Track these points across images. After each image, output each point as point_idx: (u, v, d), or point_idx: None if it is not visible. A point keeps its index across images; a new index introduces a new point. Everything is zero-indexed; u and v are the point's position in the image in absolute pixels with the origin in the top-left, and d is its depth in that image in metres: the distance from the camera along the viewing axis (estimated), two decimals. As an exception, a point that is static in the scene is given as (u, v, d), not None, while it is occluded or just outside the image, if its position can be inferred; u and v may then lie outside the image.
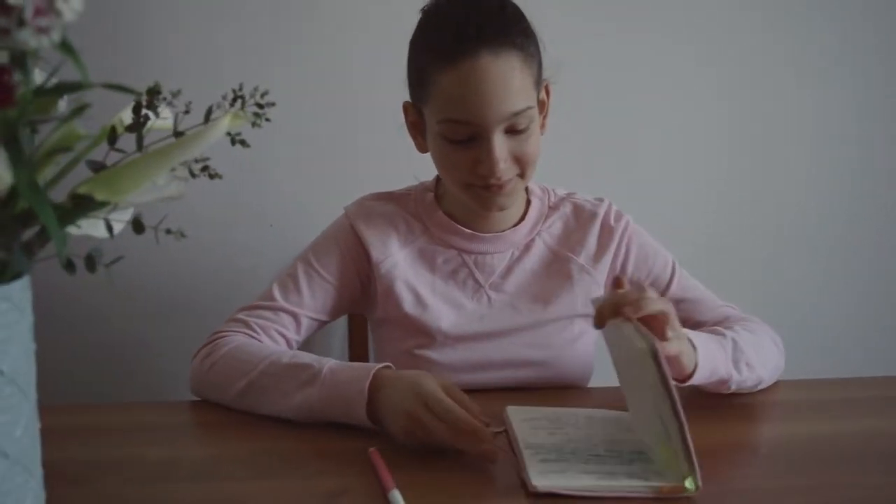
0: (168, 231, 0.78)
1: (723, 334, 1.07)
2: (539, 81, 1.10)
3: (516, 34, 1.05)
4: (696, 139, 1.70)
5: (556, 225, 1.23)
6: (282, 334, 1.13)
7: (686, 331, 0.98)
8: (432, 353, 1.14)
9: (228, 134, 0.81)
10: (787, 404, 1.11)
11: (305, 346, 1.54)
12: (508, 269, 1.19)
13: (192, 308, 1.53)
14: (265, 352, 1.04)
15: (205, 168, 0.81)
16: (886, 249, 1.79)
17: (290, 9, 1.54)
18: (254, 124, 0.80)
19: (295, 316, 1.14)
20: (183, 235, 0.77)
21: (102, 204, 0.71)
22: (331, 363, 0.99)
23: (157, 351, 1.54)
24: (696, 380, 0.98)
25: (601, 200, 1.25)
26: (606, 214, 1.23)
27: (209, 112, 0.79)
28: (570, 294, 1.19)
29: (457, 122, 1.04)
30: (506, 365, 1.15)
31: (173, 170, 0.76)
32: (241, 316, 1.13)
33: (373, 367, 0.96)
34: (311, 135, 1.58)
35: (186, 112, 0.79)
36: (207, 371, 1.06)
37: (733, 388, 1.06)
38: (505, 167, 1.06)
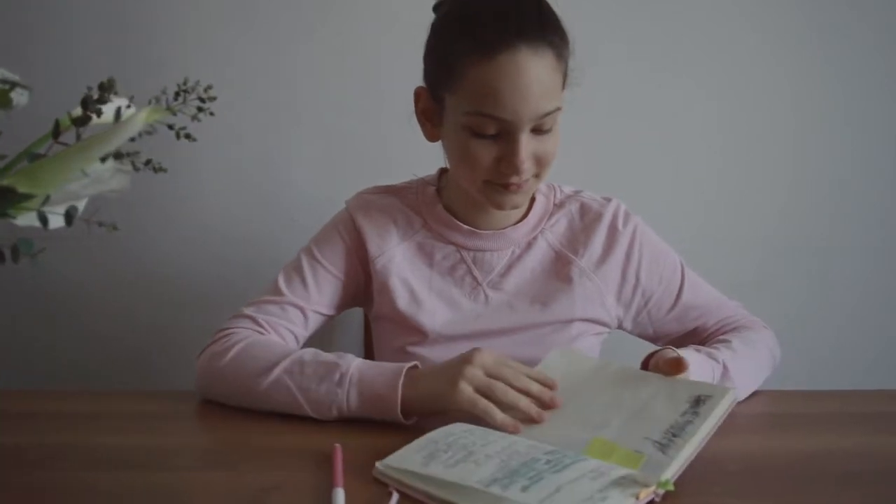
0: (100, 224, 0.79)
1: (715, 359, 1.05)
2: (565, 84, 1.07)
3: (553, 34, 1.02)
4: (694, 139, 1.67)
5: (560, 223, 1.19)
6: (290, 330, 1.13)
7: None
8: (425, 351, 1.12)
9: (171, 127, 0.82)
10: (761, 417, 1.04)
11: (321, 340, 1.57)
12: (508, 268, 1.16)
13: (215, 299, 1.57)
14: (283, 350, 1.03)
15: (148, 162, 0.82)
16: (884, 253, 1.72)
17: (313, 3, 1.55)
18: (193, 118, 0.81)
19: (302, 310, 1.14)
20: (115, 228, 0.78)
21: (28, 196, 0.73)
22: (356, 361, 0.97)
23: (180, 342, 1.59)
24: None
25: (609, 200, 1.20)
26: (614, 216, 1.18)
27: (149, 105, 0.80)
28: (569, 297, 1.14)
29: (488, 116, 1.00)
30: None
31: (103, 160, 0.77)
32: (248, 312, 1.12)
33: (404, 365, 0.96)
34: (332, 129, 1.59)
35: (128, 107, 0.81)
36: (220, 370, 1.03)
37: None
38: (528, 167, 1.03)
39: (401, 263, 1.15)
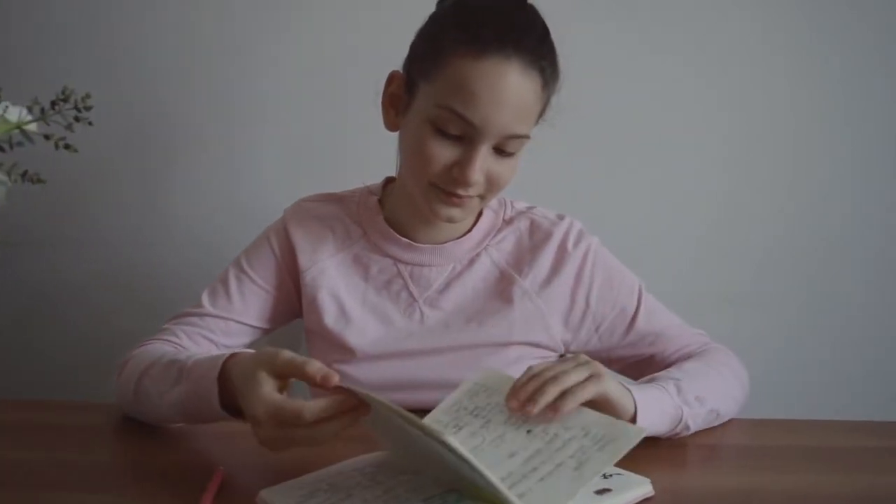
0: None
1: (659, 377, 0.99)
2: (541, 117, 1.04)
3: (547, 62, 0.99)
4: (689, 143, 1.62)
5: (507, 240, 1.13)
6: (208, 338, 1.10)
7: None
8: (352, 369, 1.07)
9: (47, 137, 0.79)
10: (722, 450, 0.97)
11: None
12: (447, 285, 1.10)
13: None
14: (162, 353, 0.99)
15: (24, 174, 0.80)
16: (885, 259, 1.65)
17: (284, 8, 1.53)
18: (67, 127, 0.78)
19: (224, 320, 1.10)
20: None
21: None
22: (197, 357, 0.91)
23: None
24: (649, 421, 0.89)
25: (562, 218, 1.14)
26: (565, 236, 1.12)
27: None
28: (506, 318, 1.08)
29: (458, 115, 0.96)
30: (435, 386, 1.04)
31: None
32: (167, 325, 1.11)
33: (222, 356, 0.86)
34: (300, 136, 1.57)
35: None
36: (116, 383, 1.03)
37: (691, 425, 0.96)
38: (478, 180, 0.99)
39: (333, 276, 1.11)
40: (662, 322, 1.12)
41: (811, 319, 1.66)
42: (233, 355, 0.85)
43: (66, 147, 0.80)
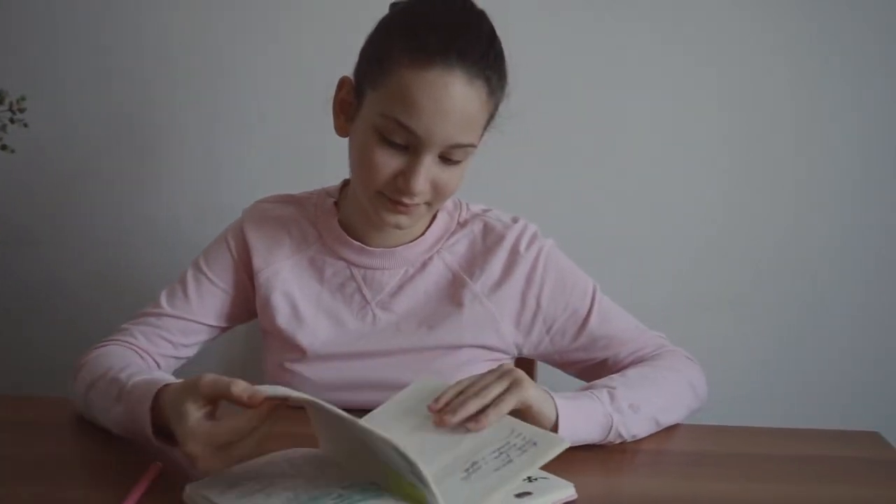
0: None
1: (595, 385, 1.00)
2: (489, 124, 1.03)
3: (492, 70, 0.99)
4: (687, 145, 1.61)
5: (460, 244, 1.13)
6: (166, 339, 1.11)
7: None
8: (303, 369, 1.09)
9: (-19, 139, 0.82)
10: (663, 455, 0.96)
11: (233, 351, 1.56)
12: (399, 288, 1.11)
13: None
14: (110, 364, 1.00)
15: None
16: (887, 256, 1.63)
17: (269, 8, 1.55)
18: (1, 129, 0.81)
19: (182, 320, 1.12)
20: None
21: None
22: (136, 378, 0.92)
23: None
24: (572, 429, 0.91)
25: (516, 221, 1.14)
26: (517, 238, 1.11)
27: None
28: (457, 322, 1.08)
29: (401, 125, 0.96)
30: (383, 387, 1.04)
31: None
32: (125, 325, 1.13)
33: (158, 383, 0.88)
34: (292, 137, 1.59)
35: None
36: (71, 385, 1.04)
37: (623, 432, 0.96)
38: (422, 189, 1.00)
39: (287, 278, 1.12)
40: (618, 326, 1.11)
41: (811, 322, 1.64)
42: (165, 387, 0.87)
43: (3, 148, 0.83)
